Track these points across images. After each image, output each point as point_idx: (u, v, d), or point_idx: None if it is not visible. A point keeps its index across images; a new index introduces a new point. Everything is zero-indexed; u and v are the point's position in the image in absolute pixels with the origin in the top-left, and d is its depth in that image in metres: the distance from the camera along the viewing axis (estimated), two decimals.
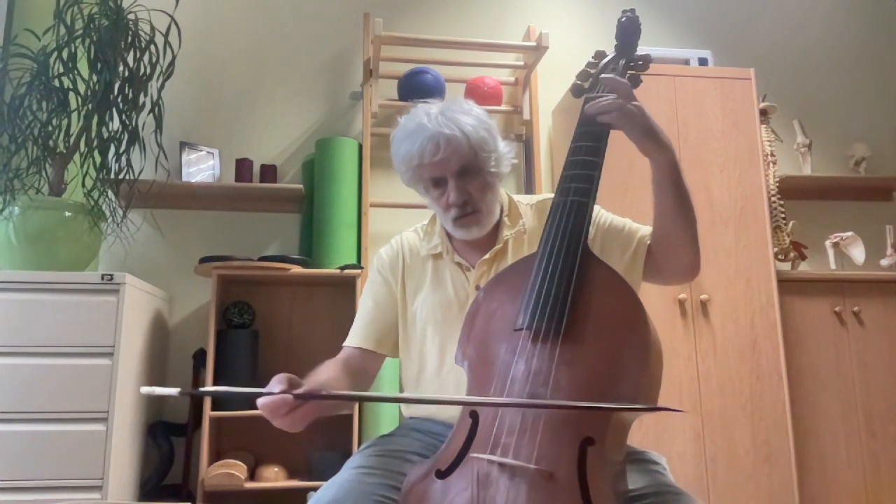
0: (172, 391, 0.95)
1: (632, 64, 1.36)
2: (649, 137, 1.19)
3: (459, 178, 1.30)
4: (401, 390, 1.65)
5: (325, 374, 1.26)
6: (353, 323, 1.45)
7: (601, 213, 1.39)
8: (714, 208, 2.73)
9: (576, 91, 1.37)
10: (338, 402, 1.26)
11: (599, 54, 1.39)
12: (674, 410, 0.96)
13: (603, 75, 1.25)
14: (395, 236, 1.50)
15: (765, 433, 2.56)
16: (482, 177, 1.32)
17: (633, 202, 2.55)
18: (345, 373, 1.32)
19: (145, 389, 0.93)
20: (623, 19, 1.37)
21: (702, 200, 2.69)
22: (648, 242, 1.32)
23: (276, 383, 1.03)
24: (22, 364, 2.08)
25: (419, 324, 1.38)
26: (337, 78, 3.16)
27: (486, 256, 1.35)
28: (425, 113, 1.30)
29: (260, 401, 1.02)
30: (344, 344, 1.43)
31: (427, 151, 1.27)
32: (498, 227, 1.38)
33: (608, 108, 1.18)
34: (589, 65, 1.39)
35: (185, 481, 2.60)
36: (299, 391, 1.02)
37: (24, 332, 2.09)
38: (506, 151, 1.36)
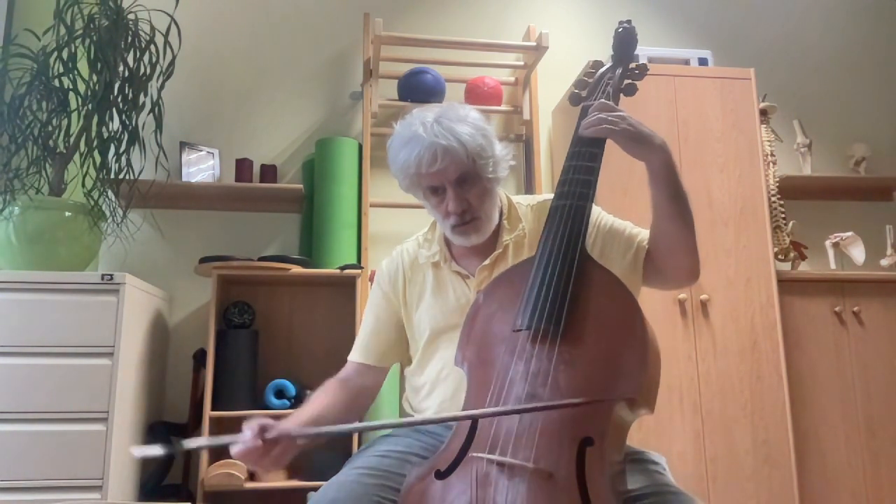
0: (157, 451, 1.06)
1: (628, 73, 1.37)
2: (636, 141, 1.18)
3: (458, 187, 1.29)
4: (400, 393, 1.67)
5: (310, 407, 1.30)
6: (357, 336, 1.48)
7: (602, 216, 1.38)
8: (714, 208, 2.72)
9: (573, 99, 1.38)
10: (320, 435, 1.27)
11: (596, 64, 1.40)
12: None
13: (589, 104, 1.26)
14: (396, 241, 1.52)
15: (765, 433, 2.56)
16: (481, 184, 1.31)
17: (632, 204, 2.54)
18: (340, 397, 1.36)
19: (136, 452, 1.07)
20: (620, 30, 1.38)
21: (702, 200, 2.69)
22: (647, 246, 1.31)
23: (247, 429, 1.09)
24: (22, 364, 2.08)
25: (422, 332, 1.38)
26: (337, 78, 3.16)
27: (486, 262, 1.35)
28: (421, 122, 1.27)
29: (233, 451, 1.08)
30: (348, 358, 1.47)
31: (424, 161, 1.25)
32: (498, 231, 1.37)
33: (592, 124, 1.20)
34: (586, 74, 1.40)
35: (185, 481, 2.60)
36: (269, 435, 1.08)
37: (24, 332, 2.09)
38: (503, 155, 1.35)
